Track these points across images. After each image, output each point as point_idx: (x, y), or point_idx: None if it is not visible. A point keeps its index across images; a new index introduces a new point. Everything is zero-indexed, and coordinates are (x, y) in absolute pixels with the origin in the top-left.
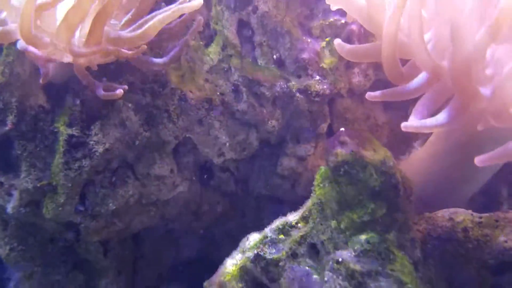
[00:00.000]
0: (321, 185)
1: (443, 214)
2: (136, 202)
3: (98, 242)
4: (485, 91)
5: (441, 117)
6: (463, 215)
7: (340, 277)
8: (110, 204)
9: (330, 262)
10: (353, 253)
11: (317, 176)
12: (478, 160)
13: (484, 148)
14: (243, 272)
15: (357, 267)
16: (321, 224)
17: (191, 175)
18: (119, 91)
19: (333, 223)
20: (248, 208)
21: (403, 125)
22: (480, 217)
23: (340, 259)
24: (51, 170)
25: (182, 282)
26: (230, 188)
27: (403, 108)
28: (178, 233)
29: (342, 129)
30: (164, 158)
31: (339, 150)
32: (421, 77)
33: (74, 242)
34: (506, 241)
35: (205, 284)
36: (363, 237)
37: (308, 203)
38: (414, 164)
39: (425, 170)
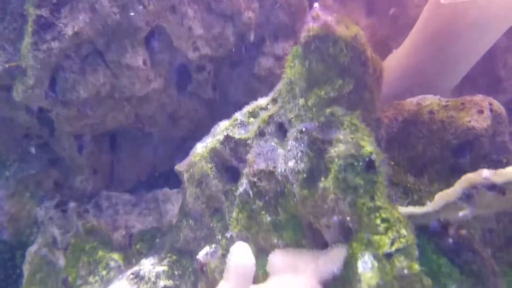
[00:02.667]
0: (292, 64)
1: (411, 100)
2: (109, 94)
3: (73, 138)
4: None
5: None
6: (430, 100)
7: (302, 145)
8: (81, 92)
9: (294, 133)
10: (317, 124)
11: (289, 57)
12: None
13: (461, 38)
14: (213, 153)
15: (320, 135)
16: (289, 103)
17: (167, 74)
18: None
19: (301, 101)
20: (226, 116)
21: None
22: (447, 101)
23: (303, 129)
24: (20, 52)
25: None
26: (208, 94)
27: (385, 14)
28: (156, 139)
29: (316, 4)
30: (136, 47)
31: (311, 25)
32: None
33: (49, 138)
34: (470, 121)
35: (176, 166)
36: (328, 110)
37: (279, 85)
38: (392, 62)
39: (403, 65)
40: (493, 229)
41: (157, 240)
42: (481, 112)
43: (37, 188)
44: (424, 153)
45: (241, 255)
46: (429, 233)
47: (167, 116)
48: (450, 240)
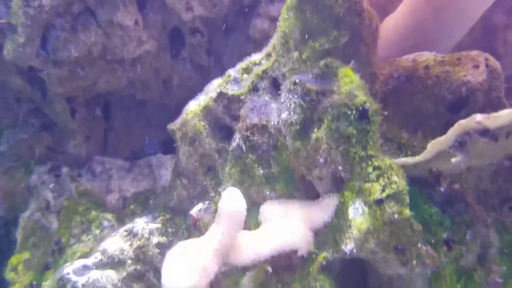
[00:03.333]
0: (286, 16)
1: (407, 56)
2: (100, 55)
3: (65, 101)
4: None
5: None
6: (426, 56)
7: (296, 96)
8: (72, 50)
9: (288, 85)
10: (311, 76)
11: (283, 10)
12: None
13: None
14: (206, 111)
15: (313, 87)
16: (283, 57)
17: (160, 37)
18: None
19: (295, 55)
20: None
21: None
22: (443, 57)
23: (297, 80)
24: (11, 9)
25: None
26: (202, 60)
27: None
28: (150, 108)
29: None
30: (128, 6)
31: None
32: None
33: (41, 102)
34: (465, 75)
35: (169, 125)
36: (322, 62)
37: (272, 39)
38: (390, 24)
39: (400, 27)
40: (488, 190)
41: (151, 201)
42: (476, 67)
43: (30, 153)
44: (419, 109)
45: (233, 199)
46: (421, 184)
47: (161, 82)
48: (442, 189)
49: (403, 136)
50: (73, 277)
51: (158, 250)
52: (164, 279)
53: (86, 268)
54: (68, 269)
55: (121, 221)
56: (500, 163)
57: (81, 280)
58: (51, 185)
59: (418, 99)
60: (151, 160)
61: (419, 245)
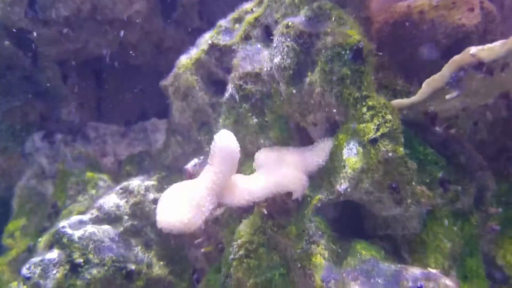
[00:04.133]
0: None
1: (402, 2)
2: (90, 15)
3: (56, 65)
4: None
5: None
6: (421, 1)
7: (288, 39)
8: (61, 9)
9: (280, 28)
10: (304, 18)
11: None
12: None
13: None
14: (198, 64)
15: (306, 29)
16: (275, 2)
17: None
18: None
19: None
20: None
21: None
22: (438, 1)
23: (290, 23)
24: None
25: None
26: (195, 23)
27: None
28: (143, 74)
29: None
30: None
31: None
32: None
33: (33, 68)
34: (460, 19)
35: (160, 82)
36: (315, 4)
37: None
38: None
39: None
40: (485, 141)
41: (146, 162)
42: (471, 10)
43: (23, 120)
44: (414, 55)
45: (226, 140)
46: (416, 128)
47: (153, 46)
48: (437, 129)
49: (398, 82)
50: (69, 231)
51: (155, 206)
52: (158, 216)
53: (82, 223)
54: (64, 223)
55: (117, 182)
56: (498, 113)
57: (77, 233)
58: (46, 151)
59: (413, 45)
60: (145, 125)
61: (413, 183)
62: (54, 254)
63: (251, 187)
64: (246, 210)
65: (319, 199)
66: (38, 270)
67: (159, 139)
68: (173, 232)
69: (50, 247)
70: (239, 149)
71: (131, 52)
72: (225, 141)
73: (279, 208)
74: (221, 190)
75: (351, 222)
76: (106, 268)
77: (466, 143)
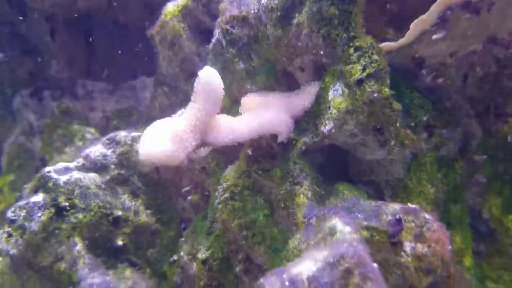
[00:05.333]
0: None
1: None
2: None
3: (45, 21)
4: None
5: None
6: None
7: None
8: None
9: None
10: None
11: None
12: None
13: None
14: (185, 11)
15: None
16: None
17: None
18: None
19: None
20: None
21: None
22: None
23: None
24: None
25: None
26: None
27: None
28: (133, 34)
29: None
30: None
31: None
32: None
33: (21, 23)
34: None
35: (147, 31)
36: None
37: None
38: None
39: None
40: (474, 96)
41: (134, 117)
42: None
43: (12, 77)
44: (405, 4)
45: (209, 76)
46: (404, 74)
47: (142, 4)
48: (424, 74)
49: (388, 31)
50: (54, 175)
51: None
52: (140, 148)
53: (68, 169)
54: (49, 168)
55: (104, 135)
56: (487, 69)
57: (62, 178)
58: (34, 107)
59: None
60: (134, 83)
61: (398, 124)
62: (39, 197)
63: (236, 127)
64: (232, 160)
65: (304, 141)
66: (23, 213)
67: (147, 96)
68: (155, 164)
69: (35, 191)
70: (223, 86)
71: (120, 10)
72: (208, 77)
73: (265, 153)
74: (204, 128)
75: (336, 168)
76: (92, 213)
77: (454, 92)
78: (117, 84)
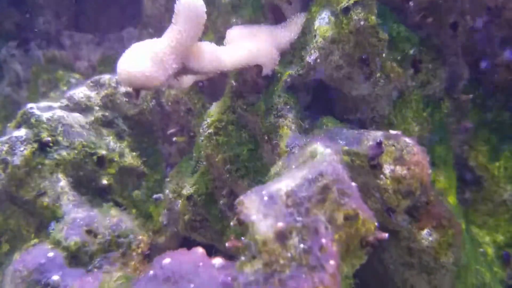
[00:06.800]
0: None
1: None
2: None
3: None
4: None
5: None
6: None
7: None
8: None
9: None
10: None
11: None
12: None
13: None
14: None
15: None
16: None
17: None
18: None
19: None
20: None
21: None
22: None
23: None
24: None
25: None
26: None
27: None
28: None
29: None
30: None
31: None
32: None
33: None
34: None
35: None
36: None
37: None
38: None
39: None
40: (463, 46)
41: None
42: None
43: None
44: None
45: None
46: (392, 7)
47: None
48: (411, 4)
49: None
50: (37, 112)
51: (126, 99)
52: (118, 67)
53: (51, 108)
54: (32, 105)
55: None
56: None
57: (45, 115)
58: (20, 58)
59: None
60: (121, 35)
61: (384, 55)
62: (21, 132)
63: (220, 55)
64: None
65: (289, 74)
66: (5, 147)
67: None
68: (133, 85)
69: (18, 127)
70: (205, 8)
71: None
72: None
73: (250, 87)
74: (186, 52)
75: (321, 108)
76: (76, 151)
77: (442, 32)
78: (104, 35)
